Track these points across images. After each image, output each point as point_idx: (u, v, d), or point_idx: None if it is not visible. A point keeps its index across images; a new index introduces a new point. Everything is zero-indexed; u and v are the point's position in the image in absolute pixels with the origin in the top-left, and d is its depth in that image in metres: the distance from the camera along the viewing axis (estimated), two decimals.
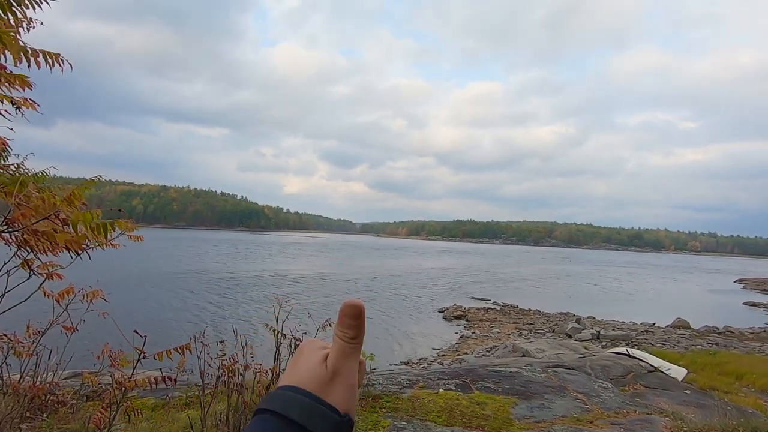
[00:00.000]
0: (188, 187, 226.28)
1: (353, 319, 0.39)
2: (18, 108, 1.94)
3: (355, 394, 0.39)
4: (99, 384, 3.69)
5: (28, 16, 2.17)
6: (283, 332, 3.31)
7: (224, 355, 3.17)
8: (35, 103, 1.91)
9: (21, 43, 2.05)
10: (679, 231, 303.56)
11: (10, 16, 2.01)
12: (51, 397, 3.38)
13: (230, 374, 3.00)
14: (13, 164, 2.55)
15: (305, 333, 3.42)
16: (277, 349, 3.31)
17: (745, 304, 34.37)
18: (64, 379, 4.29)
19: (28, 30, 2.23)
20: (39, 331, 3.49)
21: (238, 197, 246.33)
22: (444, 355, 15.27)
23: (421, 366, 13.28)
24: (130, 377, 2.38)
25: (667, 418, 4.55)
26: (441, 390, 4.91)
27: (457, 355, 15.09)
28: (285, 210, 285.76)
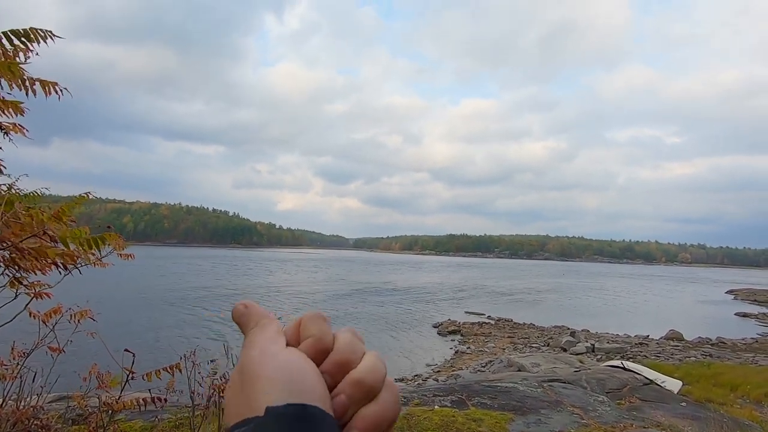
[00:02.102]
0: (180, 204, 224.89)
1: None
2: (6, 133, 1.94)
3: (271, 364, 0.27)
4: (86, 407, 3.59)
5: (33, 47, 2.19)
6: None
7: (215, 374, 3.11)
8: (24, 128, 1.91)
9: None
10: (669, 243, 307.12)
11: (8, 46, 2.02)
12: (35, 422, 3.26)
13: (221, 394, 2.94)
14: (4, 184, 2.53)
15: None
16: None
17: (736, 314, 34.60)
18: (50, 402, 4.16)
19: (26, 60, 2.24)
20: (24, 353, 3.39)
21: (230, 214, 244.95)
22: (439, 371, 15.10)
23: (416, 382, 13.11)
24: (118, 399, 2.32)
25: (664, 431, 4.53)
26: (436, 407, 4.84)
27: (453, 370, 14.94)
28: (278, 226, 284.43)
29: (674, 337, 21.28)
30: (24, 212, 1.78)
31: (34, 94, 1.81)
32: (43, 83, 1.81)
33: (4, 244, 1.82)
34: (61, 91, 1.87)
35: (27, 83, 1.78)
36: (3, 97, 1.77)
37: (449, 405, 4.97)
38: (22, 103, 1.83)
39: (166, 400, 2.57)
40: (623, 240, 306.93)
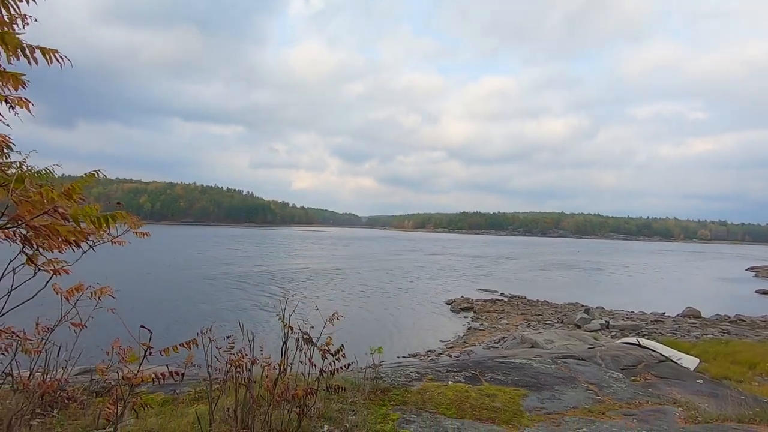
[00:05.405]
0: (194, 183, 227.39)
1: None
2: (12, 107, 1.90)
3: None
4: (107, 380, 3.71)
5: (23, 11, 2.13)
6: (291, 325, 3.29)
7: (232, 349, 3.16)
8: (29, 101, 1.87)
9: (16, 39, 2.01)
10: (688, 220, 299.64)
11: (5, 12, 1.96)
12: (61, 394, 3.40)
13: (238, 369, 2.98)
14: (15, 162, 2.53)
15: (312, 327, 3.40)
16: (285, 342, 3.29)
17: (757, 292, 33.98)
18: (75, 375, 4.32)
19: (24, 26, 2.18)
20: (48, 328, 3.50)
21: (244, 193, 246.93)
22: (452, 347, 15.27)
23: (430, 358, 13.30)
24: (137, 373, 2.37)
25: (681, 409, 4.49)
26: (450, 382, 4.87)
27: (466, 346, 15.10)
28: (291, 205, 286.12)
29: (691, 314, 21.03)
30: (34, 190, 1.76)
31: (36, 63, 1.76)
32: (44, 51, 1.76)
33: (19, 222, 1.82)
34: (62, 59, 1.81)
35: (27, 51, 1.72)
36: (3, 69, 1.72)
37: (463, 381, 5.00)
38: (24, 75, 1.78)
39: (183, 374, 2.62)
40: (641, 217, 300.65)
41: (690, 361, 7.89)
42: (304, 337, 3.33)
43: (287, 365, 3.26)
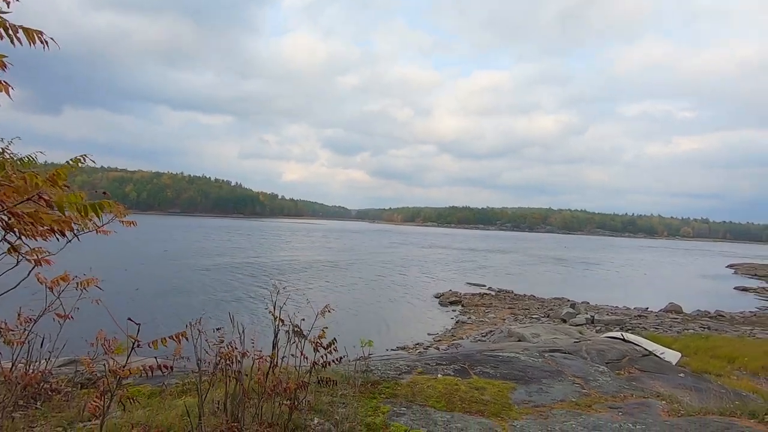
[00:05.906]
0: (182, 173, 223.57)
1: None
2: None
3: None
4: (93, 372, 3.64)
5: None
6: (281, 318, 3.25)
7: (222, 342, 3.11)
8: (8, 85, 1.78)
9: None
10: (672, 217, 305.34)
11: None
12: (44, 385, 3.32)
13: (228, 361, 2.94)
14: None
15: (303, 319, 3.37)
16: (276, 335, 3.25)
17: (736, 288, 34.93)
18: (59, 366, 4.23)
19: (8, 5, 2.08)
20: (31, 319, 3.41)
21: (232, 184, 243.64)
22: (440, 340, 15.40)
23: (418, 351, 13.38)
24: (124, 366, 2.32)
25: (664, 402, 4.58)
26: (440, 375, 4.90)
27: (454, 339, 15.23)
28: (280, 197, 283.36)
29: (673, 309, 21.52)
30: (17, 175, 1.69)
31: (20, 43, 1.67)
32: (27, 31, 1.67)
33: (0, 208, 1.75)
34: (46, 41, 1.73)
35: (9, 31, 1.64)
36: None
37: (452, 374, 5.03)
38: (6, 56, 1.70)
39: (172, 368, 2.57)
40: (626, 214, 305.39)
41: (672, 356, 8.07)
42: (295, 329, 3.30)
43: (278, 358, 3.23)
